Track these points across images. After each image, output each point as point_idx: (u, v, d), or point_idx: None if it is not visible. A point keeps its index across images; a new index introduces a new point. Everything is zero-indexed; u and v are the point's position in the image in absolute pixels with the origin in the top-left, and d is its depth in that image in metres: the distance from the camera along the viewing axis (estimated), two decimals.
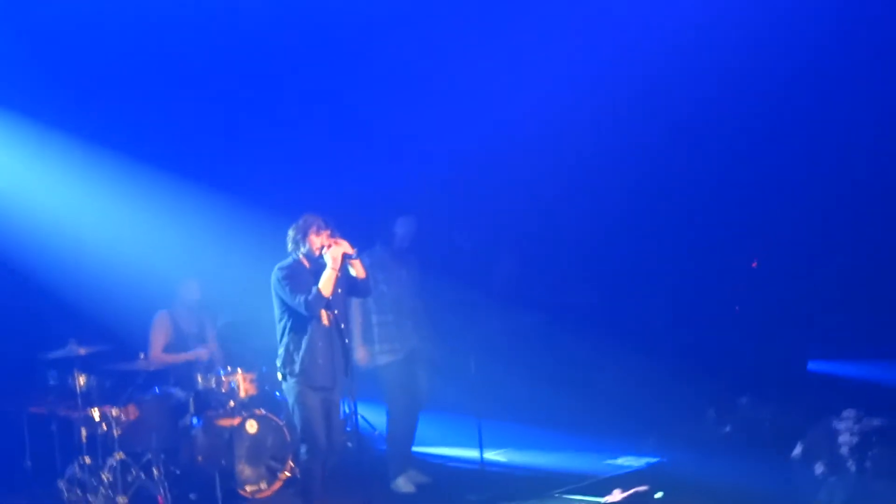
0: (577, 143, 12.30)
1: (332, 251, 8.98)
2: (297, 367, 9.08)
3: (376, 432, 11.34)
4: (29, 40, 11.36)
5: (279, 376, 9.22)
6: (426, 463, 11.28)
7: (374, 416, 11.43)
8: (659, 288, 12.85)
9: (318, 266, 9.04)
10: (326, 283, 8.93)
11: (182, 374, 11.09)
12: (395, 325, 10.53)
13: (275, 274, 9.12)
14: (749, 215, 12.31)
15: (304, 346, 9.09)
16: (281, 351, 9.19)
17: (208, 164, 12.18)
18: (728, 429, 11.38)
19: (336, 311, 9.15)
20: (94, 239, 11.58)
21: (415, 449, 10.96)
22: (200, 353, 11.33)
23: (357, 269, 9.16)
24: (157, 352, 11.28)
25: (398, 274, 10.61)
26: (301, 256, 9.15)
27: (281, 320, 9.19)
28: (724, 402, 11.62)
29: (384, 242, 10.63)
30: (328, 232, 9.13)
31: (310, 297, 8.92)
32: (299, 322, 9.08)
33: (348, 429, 10.36)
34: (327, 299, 8.98)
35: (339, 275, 9.02)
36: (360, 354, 10.42)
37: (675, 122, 12.09)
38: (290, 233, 9.18)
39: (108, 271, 11.49)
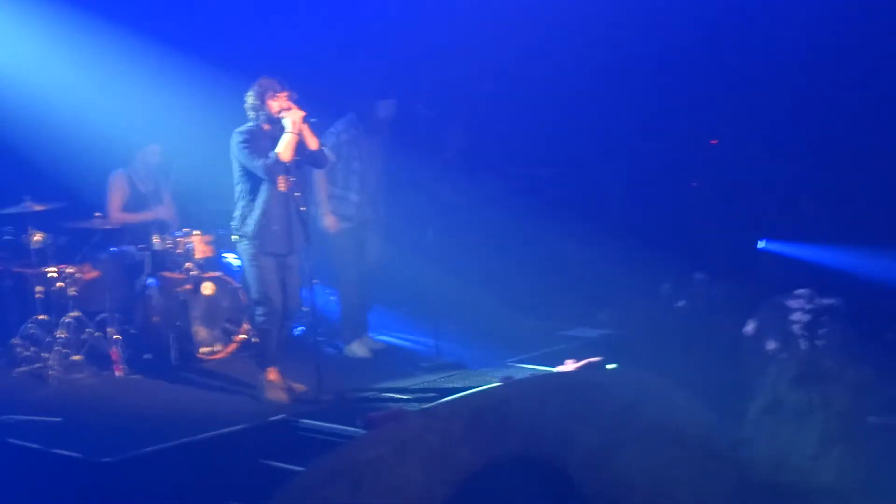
0: (545, 12, 12.18)
1: (292, 114, 8.94)
2: (250, 230, 9.11)
3: (332, 297, 11.36)
4: None
5: (234, 238, 9.23)
6: (381, 333, 11.32)
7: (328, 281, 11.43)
8: (617, 161, 12.85)
9: (278, 131, 9.01)
10: (286, 148, 8.93)
11: (138, 234, 11.03)
12: (356, 200, 10.56)
13: (234, 137, 9.10)
14: (711, 90, 12.27)
15: (259, 210, 9.10)
16: (237, 213, 9.23)
17: (177, 29, 11.95)
18: (682, 304, 11.47)
19: (293, 178, 9.13)
20: (57, 97, 11.41)
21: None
22: (160, 211, 11.28)
23: (308, 139, 9.11)
24: (116, 210, 11.22)
25: (371, 151, 10.60)
26: (261, 121, 9.11)
27: (238, 184, 9.21)
28: (680, 277, 11.71)
29: (360, 118, 10.58)
30: (286, 94, 9.10)
31: (268, 161, 8.91)
32: (256, 186, 9.10)
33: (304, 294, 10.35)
34: (286, 164, 8.96)
35: (298, 139, 9.00)
36: (328, 222, 10.43)
37: None
38: (248, 99, 9.15)
39: (69, 130, 11.34)
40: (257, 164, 9.00)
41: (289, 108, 9.00)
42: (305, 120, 9.08)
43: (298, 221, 9.22)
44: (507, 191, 12.70)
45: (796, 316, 9.86)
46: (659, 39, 12.27)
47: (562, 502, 8.05)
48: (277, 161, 8.94)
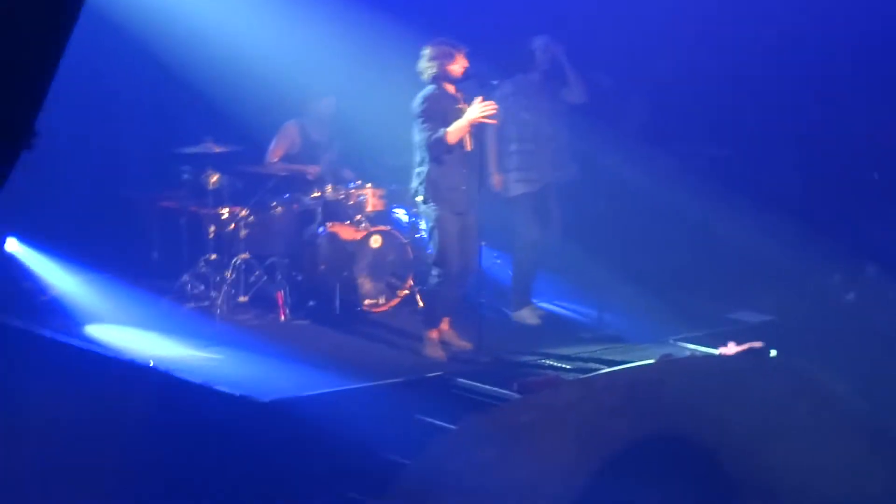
0: None
1: (482, 107, 8.93)
2: (440, 193, 9.14)
3: (497, 261, 11.37)
4: None
5: (419, 199, 9.28)
6: (545, 301, 11.29)
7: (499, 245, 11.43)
8: (797, 145, 12.59)
9: (462, 90, 9.08)
10: (455, 132, 8.96)
11: (312, 183, 11.16)
12: (534, 155, 10.45)
13: (416, 103, 9.15)
14: None
15: (447, 171, 9.13)
16: (423, 173, 9.24)
17: None
18: (852, 296, 11.24)
19: (476, 142, 9.20)
20: (244, 44, 11.57)
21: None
22: (310, 169, 11.33)
23: (467, 144, 9.14)
24: (272, 158, 11.37)
25: (539, 102, 10.50)
26: (445, 86, 9.15)
27: (423, 145, 9.21)
28: (851, 269, 11.47)
29: (525, 70, 10.51)
30: (462, 52, 9.11)
31: (436, 135, 8.98)
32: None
33: None
34: (452, 146, 9.00)
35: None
36: (495, 180, 10.40)
37: None
38: (425, 70, 9.17)
39: (253, 76, 11.49)
40: (424, 136, 9.09)
41: (482, 102, 8.99)
42: (487, 87, 9.13)
43: (478, 184, 9.26)
44: (683, 168, 12.54)
45: None
46: (852, 26, 11.97)
47: (711, 486, 7.98)
48: (442, 140, 8.99)
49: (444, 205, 9.18)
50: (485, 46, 9.84)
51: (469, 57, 9.17)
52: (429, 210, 9.29)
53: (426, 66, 9.15)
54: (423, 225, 10.11)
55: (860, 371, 9.53)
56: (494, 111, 9.01)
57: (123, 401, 8.57)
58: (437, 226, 9.25)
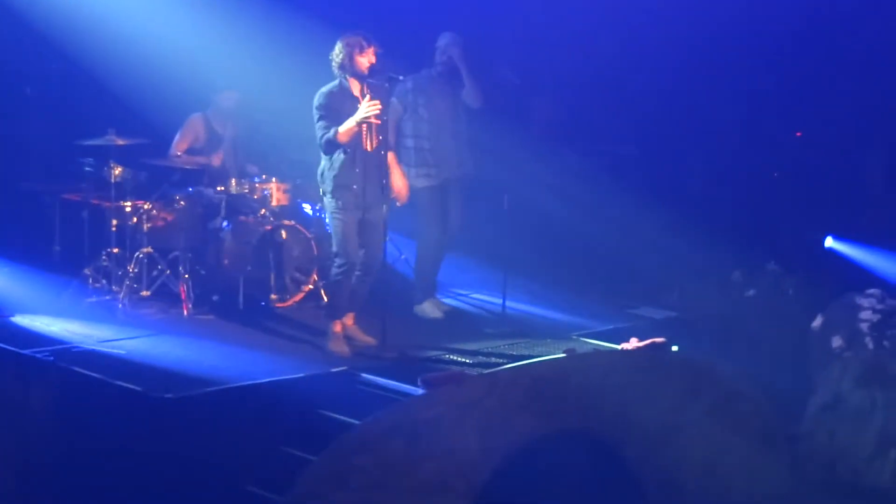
0: None
1: (368, 107, 8.94)
2: (331, 186, 9.18)
3: (402, 257, 11.37)
4: None
5: (321, 190, 9.31)
6: (448, 296, 11.32)
7: (402, 242, 11.43)
8: (699, 144, 12.75)
9: (372, 89, 9.10)
10: (345, 132, 8.98)
11: (216, 177, 11.10)
12: (431, 152, 10.46)
13: (315, 99, 9.17)
14: (803, 81, 12.12)
15: (339, 167, 9.16)
16: (321, 168, 9.29)
17: None
18: (752, 293, 11.39)
19: (381, 137, 9.18)
20: (149, 36, 11.49)
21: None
22: (213, 159, 11.28)
23: (365, 143, 9.21)
24: (176, 151, 11.27)
25: (438, 99, 10.50)
26: (348, 79, 9.15)
27: (317, 142, 9.24)
28: (752, 265, 11.62)
29: (428, 66, 10.54)
30: (373, 48, 9.12)
31: (327, 135, 9.01)
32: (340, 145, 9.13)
33: None
34: (344, 143, 9.01)
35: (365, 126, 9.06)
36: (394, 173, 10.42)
37: None
38: (334, 58, 9.17)
39: (157, 69, 11.42)
40: (319, 133, 9.10)
41: (370, 98, 9.01)
42: (392, 81, 9.15)
43: (379, 178, 9.26)
44: (586, 166, 12.65)
45: (866, 315, 9.80)
46: (751, 28, 12.14)
47: (615, 480, 8.07)
48: (333, 140, 9.02)
49: (338, 198, 9.22)
50: (397, 42, 9.82)
51: (380, 55, 9.16)
52: (327, 202, 9.34)
53: (336, 53, 9.15)
54: (327, 218, 10.08)
55: (760, 366, 9.70)
56: (379, 111, 9.02)
57: (23, 396, 8.47)
58: (334, 217, 9.31)
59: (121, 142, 10.61)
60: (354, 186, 9.18)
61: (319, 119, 9.12)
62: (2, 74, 11.61)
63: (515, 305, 10.82)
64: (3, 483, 8.09)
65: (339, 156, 9.17)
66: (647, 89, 12.67)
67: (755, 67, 12.23)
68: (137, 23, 11.56)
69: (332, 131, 8.99)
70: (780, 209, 12.24)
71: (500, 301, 10.61)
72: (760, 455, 8.62)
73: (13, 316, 9.97)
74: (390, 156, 9.68)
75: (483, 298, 11.35)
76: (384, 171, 9.30)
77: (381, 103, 9.05)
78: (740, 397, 8.76)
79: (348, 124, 8.98)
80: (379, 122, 9.15)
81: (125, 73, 11.44)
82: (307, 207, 11.43)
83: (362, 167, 9.18)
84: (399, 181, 10.01)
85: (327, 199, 9.33)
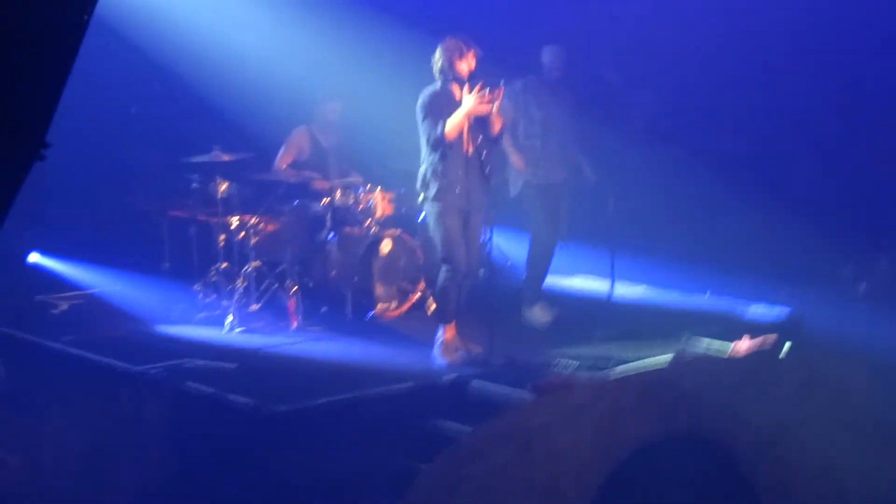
0: None
1: (475, 101, 8.93)
2: (438, 191, 9.14)
3: (508, 262, 11.36)
4: None
5: (420, 197, 9.30)
6: (552, 293, 11.25)
7: (509, 246, 11.41)
8: (810, 138, 12.55)
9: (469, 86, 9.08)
10: (453, 126, 8.95)
11: (322, 189, 11.16)
12: (541, 151, 10.46)
13: (419, 99, 9.16)
14: None
15: (443, 171, 9.13)
16: (421, 173, 9.25)
17: None
18: (864, 287, 11.22)
19: (481, 137, 9.16)
20: (251, 52, 11.62)
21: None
22: (316, 178, 11.31)
23: (494, 123, 9.18)
24: (281, 165, 11.34)
25: (550, 102, 10.51)
26: (450, 83, 9.15)
27: (422, 142, 9.23)
28: (865, 261, 11.45)
29: (536, 73, 10.54)
30: (473, 52, 9.12)
31: (435, 132, 8.96)
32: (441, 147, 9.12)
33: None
34: (451, 141, 8.99)
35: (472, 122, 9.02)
36: (515, 161, 10.48)
37: None
38: (434, 63, 9.19)
39: (261, 85, 11.55)
40: (425, 132, 9.10)
41: (481, 94, 8.99)
42: (493, 88, 9.13)
43: (482, 181, 9.24)
44: (693, 163, 12.53)
45: None
46: (858, 21, 11.94)
47: (727, 483, 7.96)
48: (441, 136, 8.99)
49: (441, 203, 9.18)
50: (494, 50, 9.82)
51: (479, 59, 9.16)
52: (429, 207, 9.30)
53: (436, 58, 9.17)
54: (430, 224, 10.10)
55: (874, 362, 9.52)
56: (490, 105, 9.01)
57: (136, 412, 8.59)
58: (438, 222, 9.25)
59: (226, 157, 10.75)
60: (457, 189, 9.17)
61: (425, 118, 9.12)
62: (107, 95, 11.75)
63: (621, 301, 10.81)
64: (120, 499, 8.20)
65: (440, 158, 9.15)
66: (754, 83, 12.50)
67: (870, 57, 12.00)
68: (239, 39, 11.69)
69: (439, 128, 8.99)
70: (893, 203, 12.02)
71: (605, 294, 10.60)
72: (875, 453, 8.46)
73: (128, 333, 10.14)
74: (506, 141, 9.72)
75: (589, 289, 11.27)
76: (487, 173, 9.28)
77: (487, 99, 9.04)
78: (855, 395, 8.60)
79: (456, 116, 8.95)
80: (487, 109, 9.09)
81: (228, 90, 11.57)
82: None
83: (464, 169, 9.17)
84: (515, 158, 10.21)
85: (429, 205, 9.29)
